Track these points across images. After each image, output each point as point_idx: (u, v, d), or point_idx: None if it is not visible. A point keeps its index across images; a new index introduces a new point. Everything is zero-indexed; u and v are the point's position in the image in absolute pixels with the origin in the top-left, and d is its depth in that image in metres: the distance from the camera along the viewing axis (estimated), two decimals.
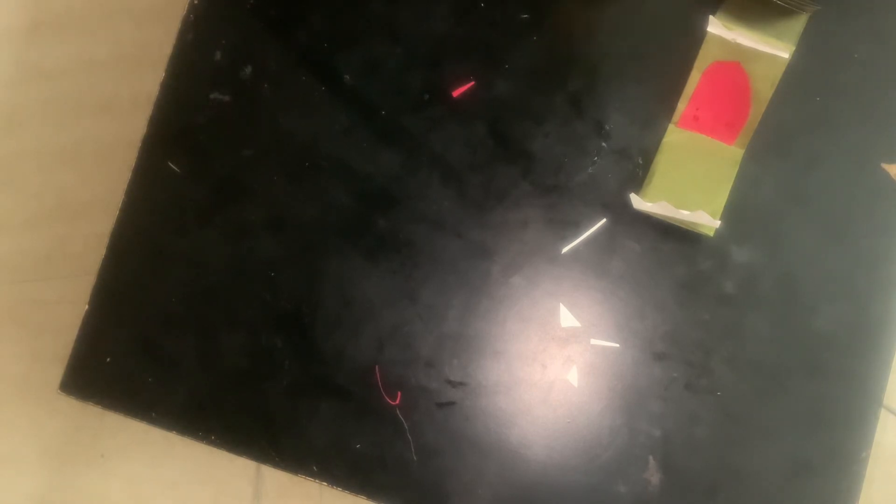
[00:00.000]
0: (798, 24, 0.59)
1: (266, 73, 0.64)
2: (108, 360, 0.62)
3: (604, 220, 0.62)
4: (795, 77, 0.61)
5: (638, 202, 0.60)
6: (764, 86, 0.59)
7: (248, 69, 0.64)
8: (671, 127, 0.62)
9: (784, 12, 0.58)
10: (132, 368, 0.62)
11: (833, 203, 0.62)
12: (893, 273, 0.61)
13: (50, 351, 1.03)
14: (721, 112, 0.61)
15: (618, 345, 0.61)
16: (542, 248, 0.62)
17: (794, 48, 0.57)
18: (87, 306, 0.62)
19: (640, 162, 0.62)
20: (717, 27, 0.57)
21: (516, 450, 0.60)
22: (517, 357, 0.61)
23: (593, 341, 0.61)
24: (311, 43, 0.64)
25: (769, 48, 0.57)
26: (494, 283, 0.61)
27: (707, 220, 0.59)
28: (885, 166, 0.62)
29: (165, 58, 0.64)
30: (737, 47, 0.57)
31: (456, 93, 0.63)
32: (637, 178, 0.62)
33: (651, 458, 0.60)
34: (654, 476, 0.60)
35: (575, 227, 0.62)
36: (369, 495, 0.61)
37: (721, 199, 0.61)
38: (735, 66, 0.58)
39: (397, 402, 0.61)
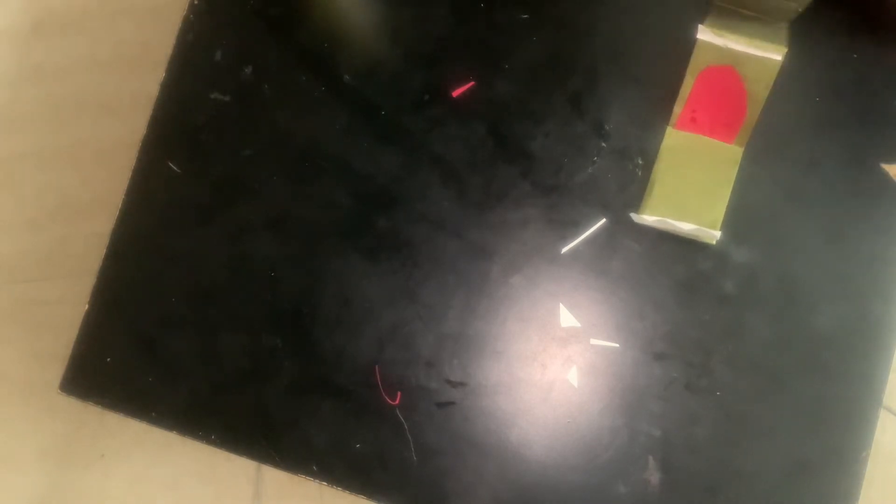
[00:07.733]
0: (784, 27, 0.59)
1: (266, 73, 0.64)
2: (108, 360, 0.62)
3: (604, 220, 0.62)
4: (794, 78, 0.61)
5: (639, 219, 0.60)
6: (758, 87, 0.58)
7: (248, 69, 0.64)
8: (669, 130, 0.62)
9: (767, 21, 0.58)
10: (132, 368, 0.62)
11: (833, 203, 0.61)
12: (893, 273, 0.61)
13: (50, 351, 1.03)
14: (718, 113, 0.61)
15: (618, 345, 0.61)
16: (542, 248, 0.62)
17: (786, 50, 0.57)
18: (87, 306, 0.62)
19: (640, 162, 0.62)
20: (706, 34, 0.57)
21: (516, 450, 0.60)
22: (517, 357, 0.61)
23: (593, 341, 0.61)
24: (311, 43, 0.64)
25: (761, 51, 0.57)
26: (494, 283, 0.61)
27: (707, 234, 0.59)
28: (885, 166, 0.62)
29: (165, 58, 0.64)
30: (729, 52, 0.57)
31: (456, 93, 0.63)
32: (637, 178, 0.62)
33: (651, 458, 0.60)
34: (654, 476, 0.60)
35: (575, 227, 0.62)
36: (369, 495, 0.61)
37: (722, 204, 0.61)
38: (728, 70, 0.58)
39: (397, 402, 0.61)
